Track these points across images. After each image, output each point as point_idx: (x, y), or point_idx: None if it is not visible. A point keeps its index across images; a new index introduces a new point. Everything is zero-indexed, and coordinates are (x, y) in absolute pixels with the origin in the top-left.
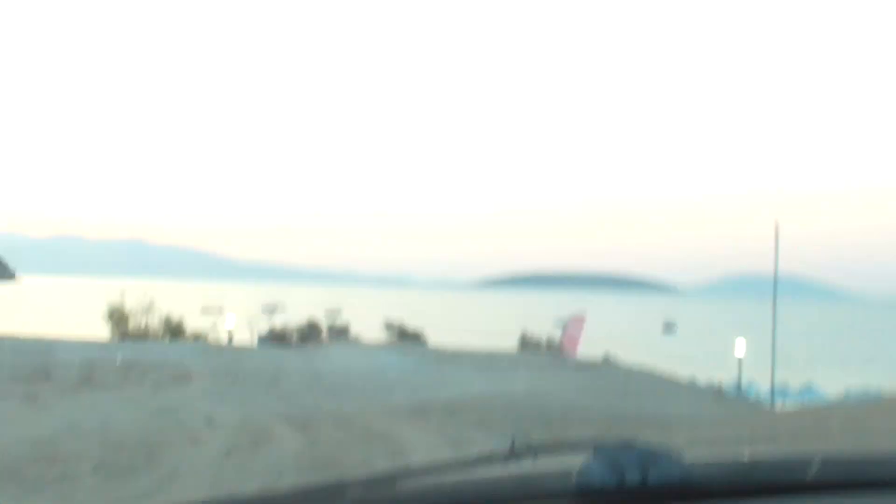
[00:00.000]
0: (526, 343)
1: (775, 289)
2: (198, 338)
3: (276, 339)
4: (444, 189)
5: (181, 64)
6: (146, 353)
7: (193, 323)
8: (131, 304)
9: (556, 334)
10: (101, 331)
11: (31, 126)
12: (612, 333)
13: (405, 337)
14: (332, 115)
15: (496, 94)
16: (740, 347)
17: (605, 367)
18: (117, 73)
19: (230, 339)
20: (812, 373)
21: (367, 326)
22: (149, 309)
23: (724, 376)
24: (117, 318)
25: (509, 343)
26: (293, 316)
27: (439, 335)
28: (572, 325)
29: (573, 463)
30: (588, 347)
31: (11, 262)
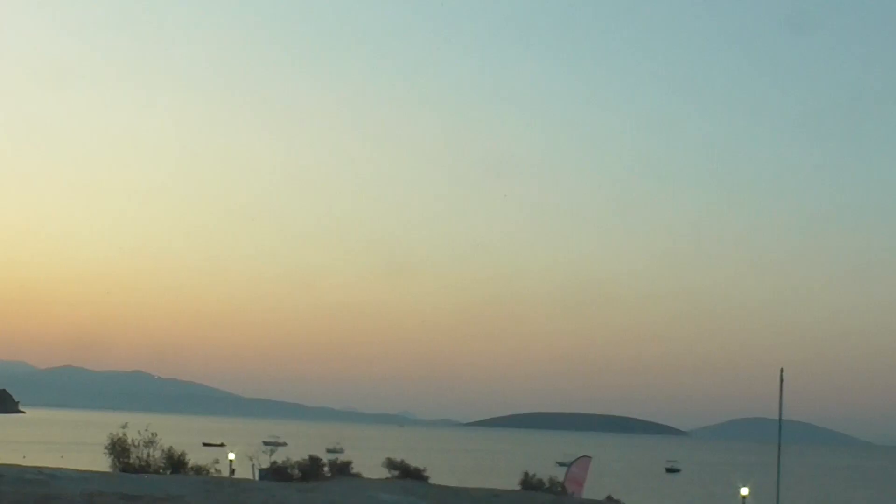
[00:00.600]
0: (528, 482)
1: (780, 433)
2: (199, 471)
3: (277, 473)
4: (446, 328)
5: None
6: (148, 486)
7: (195, 456)
8: (133, 436)
9: (558, 474)
10: (102, 463)
11: (40, 255)
12: (616, 474)
13: (407, 474)
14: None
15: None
16: (744, 489)
17: None
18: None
19: (232, 473)
20: None
21: (369, 463)
22: (150, 442)
23: None
24: (119, 450)
25: (511, 482)
26: (295, 451)
27: (441, 473)
28: (577, 466)
29: None
30: (590, 487)
31: (16, 394)
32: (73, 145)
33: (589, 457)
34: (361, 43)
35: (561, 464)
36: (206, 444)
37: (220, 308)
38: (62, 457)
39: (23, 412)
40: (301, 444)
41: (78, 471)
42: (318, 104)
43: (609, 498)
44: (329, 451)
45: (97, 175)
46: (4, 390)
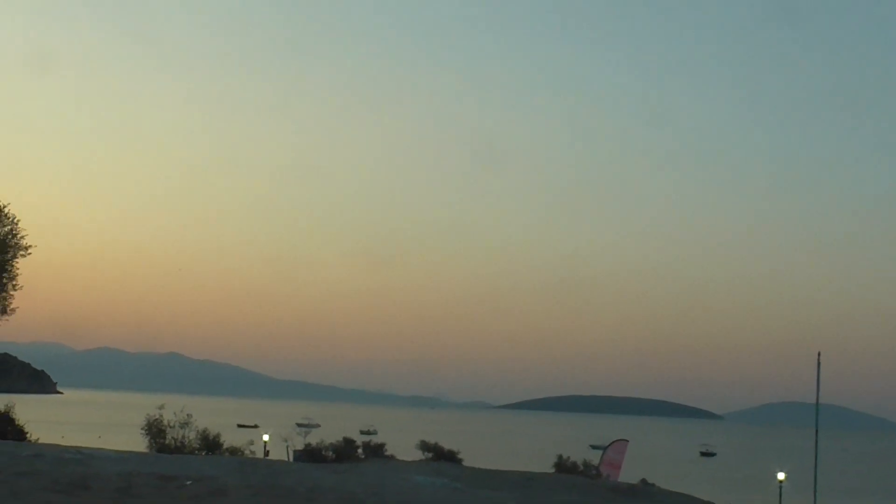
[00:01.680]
0: (562, 465)
1: (817, 418)
2: (234, 452)
3: (311, 455)
4: (479, 311)
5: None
6: (184, 466)
7: (230, 438)
8: (168, 417)
9: (592, 457)
10: (139, 444)
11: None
12: (650, 457)
13: (440, 456)
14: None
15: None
16: (781, 474)
17: (643, 492)
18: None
19: (266, 455)
20: None
21: (402, 445)
22: (186, 423)
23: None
24: (155, 431)
25: (545, 464)
26: (328, 433)
27: (474, 455)
28: (614, 450)
29: None
30: (625, 470)
31: (55, 375)
32: (96, 133)
33: (626, 440)
34: (359, 33)
35: (594, 447)
36: (240, 426)
37: (254, 290)
38: (100, 437)
39: (61, 393)
40: (334, 425)
41: (115, 451)
42: (317, 95)
43: (643, 481)
44: (363, 432)
45: (126, 161)
46: (43, 371)
